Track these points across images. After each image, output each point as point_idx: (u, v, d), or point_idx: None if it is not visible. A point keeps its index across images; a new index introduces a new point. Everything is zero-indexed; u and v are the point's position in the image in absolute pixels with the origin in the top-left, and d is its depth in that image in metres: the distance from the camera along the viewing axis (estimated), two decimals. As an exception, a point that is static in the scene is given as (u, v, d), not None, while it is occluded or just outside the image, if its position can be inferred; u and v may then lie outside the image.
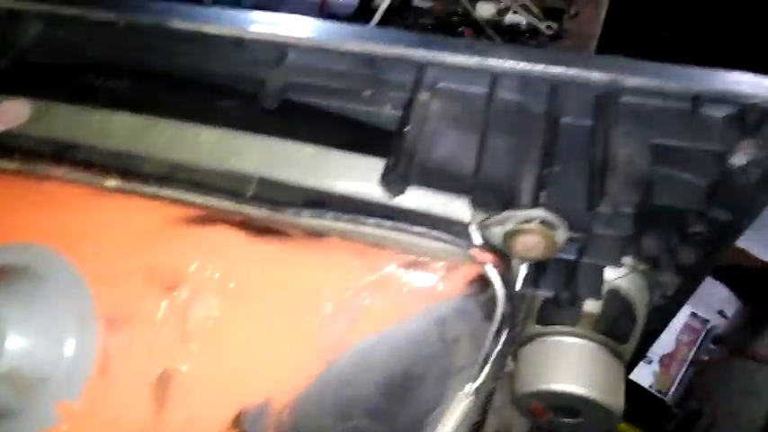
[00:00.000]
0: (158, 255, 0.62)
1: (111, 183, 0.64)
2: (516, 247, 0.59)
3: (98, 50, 0.78)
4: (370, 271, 0.60)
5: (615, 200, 0.58)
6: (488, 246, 0.59)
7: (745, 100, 0.61)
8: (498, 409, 0.90)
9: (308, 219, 0.60)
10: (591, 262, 0.64)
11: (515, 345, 0.82)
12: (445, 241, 0.58)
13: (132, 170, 0.64)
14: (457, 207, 0.61)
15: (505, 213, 0.58)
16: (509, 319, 0.60)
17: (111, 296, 0.61)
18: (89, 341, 0.59)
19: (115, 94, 0.75)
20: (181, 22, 0.70)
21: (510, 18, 1.77)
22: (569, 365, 0.78)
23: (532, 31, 1.75)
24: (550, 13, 1.76)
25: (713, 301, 1.85)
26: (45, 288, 0.61)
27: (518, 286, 0.63)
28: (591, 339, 0.78)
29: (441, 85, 0.68)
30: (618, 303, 0.79)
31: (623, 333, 0.80)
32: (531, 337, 0.81)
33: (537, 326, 0.81)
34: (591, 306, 0.78)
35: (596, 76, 0.63)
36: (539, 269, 0.68)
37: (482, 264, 0.59)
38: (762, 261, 1.76)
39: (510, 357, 0.84)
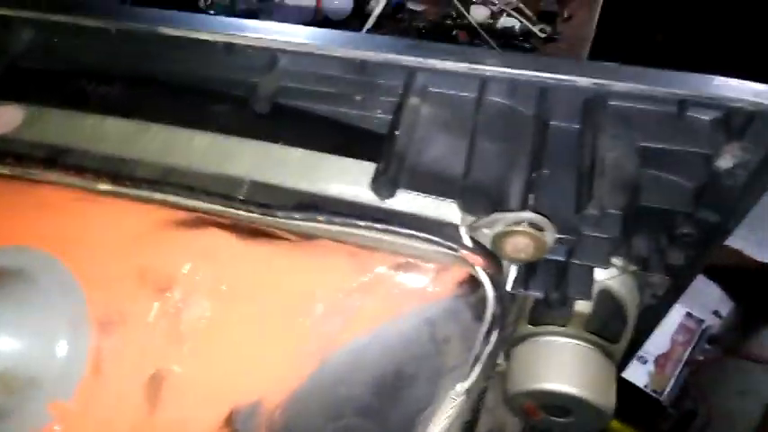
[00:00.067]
0: (150, 257, 0.62)
1: (104, 186, 0.65)
2: (506, 248, 0.60)
3: (90, 57, 0.78)
4: (361, 272, 0.61)
5: (603, 202, 0.59)
6: (478, 248, 0.60)
7: (730, 104, 0.62)
8: (491, 409, 0.91)
9: (299, 221, 0.61)
10: (580, 263, 0.65)
11: (507, 345, 0.83)
12: (435, 243, 0.59)
13: (125, 174, 0.64)
14: (447, 210, 0.61)
15: (495, 216, 0.59)
16: (499, 320, 0.61)
17: (103, 298, 0.62)
18: (82, 342, 0.59)
19: (107, 100, 0.76)
20: (172, 29, 0.71)
21: (504, 21, 1.78)
22: (561, 365, 0.78)
23: (526, 35, 1.76)
24: (544, 17, 1.77)
25: (708, 302, 1.86)
26: (38, 290, 0.62)
27: (508, 287, 0.63)
28: (582, 339, 0.79)
29: (430, 89, 0.69)
30: (609, 304, 0.80)
31: (614, 333, 0.81)
32: (523, 338, 0.82)
33: (529, 326, 0.82)
34: (582, 306, 0.79)
35: (584, 81, 0.64)
36: (529, 270, 0.69)
37: (472, 265, 0.59)
38: (756, 262, 1.77)
39: (502, 357, 0.85)
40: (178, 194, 0.63)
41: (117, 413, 0.60)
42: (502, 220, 0.59)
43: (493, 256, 0.60)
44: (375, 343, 0.61)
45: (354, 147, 0.67)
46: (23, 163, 0.66)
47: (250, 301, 0.61)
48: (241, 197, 0.63)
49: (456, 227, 0.60)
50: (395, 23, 1.73)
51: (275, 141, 0.67)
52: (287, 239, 0.63)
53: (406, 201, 0.62)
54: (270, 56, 0.72)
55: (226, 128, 0.68)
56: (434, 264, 0.61)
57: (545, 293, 0.68)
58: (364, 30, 1.71)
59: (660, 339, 1.79)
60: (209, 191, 0.62)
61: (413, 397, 0.62)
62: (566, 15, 1.78)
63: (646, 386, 1.77)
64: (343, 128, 0.74)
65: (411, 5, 1.78)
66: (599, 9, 1.75)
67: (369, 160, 0.64)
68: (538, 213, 0.58)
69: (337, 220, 0.60)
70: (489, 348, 0.62)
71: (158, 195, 0.64)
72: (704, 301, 1.85)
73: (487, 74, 0.66)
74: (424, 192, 0.62)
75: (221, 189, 0.64)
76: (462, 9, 1.75)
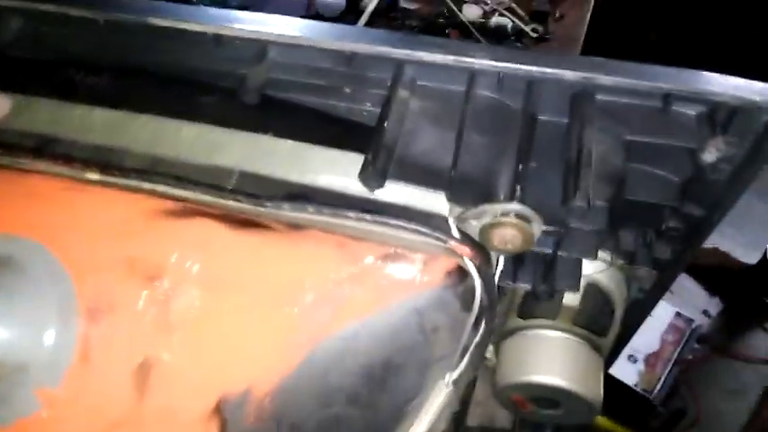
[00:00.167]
0: (139, 246, 0.62)
1: (93, 176, 0.65)
2: (493, 240, 0.60)
3: (79, 47, 0.78)
4: (350, 262, 0.61)
5: (589, 194, 0.59)
6: (466, 238, 0.60)
7: (714, 98, 0.62)
8: (481, 402, 0.92)
9: (288, 211, 0.61)
10: (567, 255, 0.66)
11: (496, 338, 0.84)
12: (424, 234, 0.59)
13: (113, 164, 0.65)
14: (435, 201, 0.62)
15: (482, 207, 0.59)
16: (487, 310, 0.61)
17: (92, 286, 0.62)
18: (70, 330, 0.59)
19: (95, 90, 0.75)
20: (161, 20, 0.71)
21: (496, 21, 1.78)
22: (549, 358, 0.79)
23: (518, 34, 1.76)
24: (536, 16, 1.78)
25: (697, 301, 1.87)
26: (26, 278, 0.62)
27: (496, 278, 0.64)
28: (570, 333, 0.80)
29: (419, 83, 0.70)
30: (596, 297, 0.81)
31: (602, 327, 0.81)
32: (512, 331, 0.83)
33: (518, 320, 0.83)
34: (570, 300, 0.80)
35: (571, 74, 0.64)
36: (517, 262, 0.70)
37: (460, 256, 0.60)
38: (743, 264, 1.79)
39: (492, 351, 0.85)
40: (167, 184, 0.63)
41: (105, 400, 0.60)
42: (489, 212, 0.59)
43: (481, 247, 0.60)
44: (364, 332, 0.61)
45: (343, 139, 0.67)
46: (11, 152, 0.66)
47: (239, 290, 0.61)
48: (230, 187, 0.63)
49: (444, 218, 0.61)
50: (387, 21, 1.73)
51: (264, 133, 0.67)
52: (276, 229, 0.63)
53: (394, 192, 0.63)
54: (259, 47, 0.72)
55: (214, 119, 0.68)
56: (423, 254, 0.61)
57: (533, 286, 0.69)
58: (360, 23, 1.71)
59: (650, 338, 1.80)
60: (198, 181, 0.62)
61: (401, 386, 0.62)
62: (557, 15, 1.79)
63: (636, 385, 1.78)
64: (332, 120, 0.74)
65: (404, 4, 1.78)
66: (591, 9, 1.75)
67: (357, 152, 0.65)
68: (525, 205, 0.59)
69: (326, 210, 0.60)
70: (478, 338, 0.62)
71: (147, 185, 0.64)
72: (694, 301, 1.87)
73: (475, 67, 0.66)
74: (412, 183, 0.63)
75: (210, 179, 0.64)
76: (454, 8, 1.76)
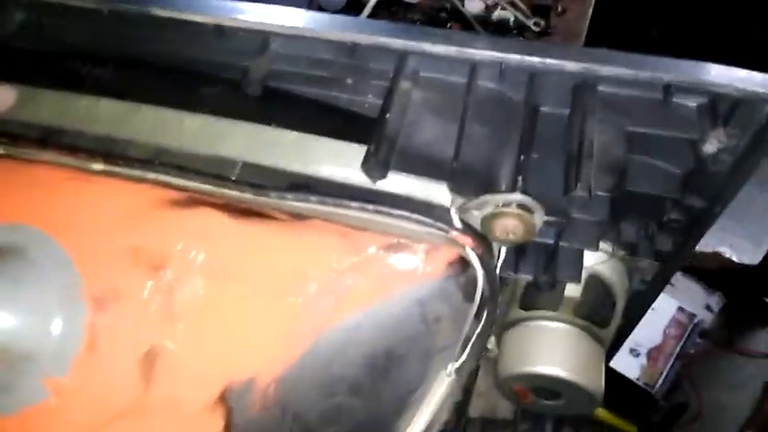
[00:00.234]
0: (144, 236, 0.63)
1: (98, 166, 0.65)
2: (495, 230, 0.60)
3: (82, 38, 0.79)
4: (352, 253, 0.61)
5: (590, 184, 0.60)
6: (468, 229, 0.60)
7: (715, 90, 0.63)
8: (483, 393, 0.92)
9: (292, 201, 0.62)
10: (569, 245, 0.66)
11: (498, 329, 0.84)
12: (426, 224, 0.60)
13: (118, 154, 0.65)
14: (437, 192, 0.62)
15: (484, 197, 0.60)
16: (489, 300, 0.62)
17: (98, 275, 0.62)
18: (77, 318, 0.60)
19: (100, 81, 0.76)
20: (164, 11, 0.71)
21: (498, 14, 1.78)
22: (551, 349, 0.80)
23: (520, 28, 1.76)
24: (538, 11, 1.77)
25: (699, 297, 1.87)
26: (33, 267, 0.62)
27: (498, 269, 0.64)
28: (572, 324, 0.80)
29: (421, 74, 0.70)
30: (598, 288, 0.81)
31: (604, 318, 0.82)
32: (514, 322, 0.83)
33: (520, 311, 0.83)
34: (572, 291, 0.80)
35: (572, 65, 0.65)
36: (519, 253, 0.70)
37: (462, 246, 0.60)
38: (744, 266, 1.78)
39: (493, 342, 0.86)
40: (171, 174, 0.63)
41: (112, 389, 0.61)
42: (491, 202, 0.60)
43: (483, 238, 0.61)
44: (366, 322, 0.61)
45: (346, 130, 0.68)
46: (17, 142, 0.67)
47: (243, 279, 0.62)
48: (234, 177, 0.64)
49: (446, 208, 0.61)
50: (389, 15, 1.73)
51: (267, 124, 0.67)
52: (279, 220, 0.63)
53: (396, 182, 0.63)
54: (261, 39, 0.73)
55: (218, 110, 0.68)
56: (425, 244, 0.61)
57: (534, 276, 0.69)
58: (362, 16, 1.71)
59: (652, 333, 1.80)
60: (202, 171, 0.63)
61: (404, 376, 0.63)
62: (560, 9, 1.78)
63: (638, 379, 1.78)
64: (335, 111, 0.75)
65: (406, -3, 1.78)
66: (593, 4, 1.75)
67: (360, 143, 0.65)
68: (527, 195, 0.59)
69: (329, 200, 0.61)
70: (480, 329, 0.62)
71: (151, 175, 0.64)
72: (696, 296, 1.86)
73: (477, 58, 0.66)
74: (414, 174, 0.63)
75: (214, 170, 0.64)
76: (456, 2, 1.76)
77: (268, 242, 0.63)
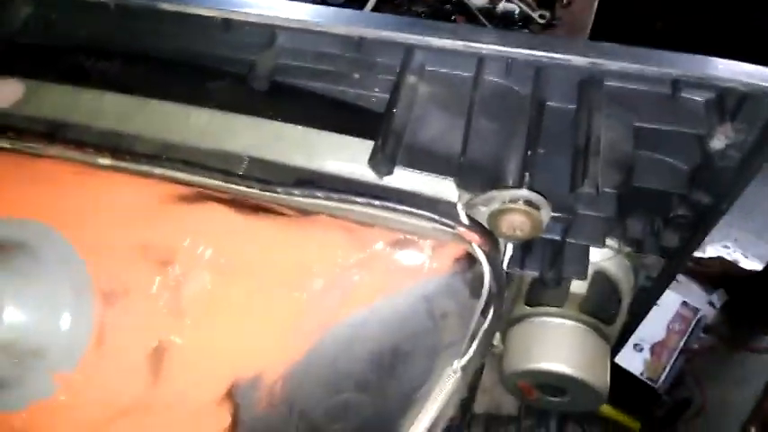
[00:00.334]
0: (152, 231, 0.63)
1: (105, 161, 0.65)
2: (502, 226, 0.60)
3: (89, 32, 0.78)
4: (359, 248, 0.61)
5: (597, 181, 0.59)
6: (475, 225, 0.60)
7: (723, 84, 0.62)
8: (488, 390, 0.92)
9: (298, 197, 0.61)
10: (575, 242, 0.66)
11: (504, 325, 0.84)
12: (432, 220, 0.59)
13: (125, 149, 0.65)
14: (444, 187, 0.62)
15: (491, 193, 0.60)
16: (496, 297, 0.61)
17: (106, 271, 0.62)
18: (86, 313, 0.60)
19: (106, 76, 0.76)
20: (170, 5, 0.71)
21: (503, 6, 1.77)
22: (556, 345, 0.80)
23: (525, 20, 1.75)
24: (544, 3, 1.76)
25: (703, 292, 1.87)
26: (41, 262, 0.62)
27: (504, 265, 0.64)
28: (577, 320, 0.80)
29: (428, 68, 0.70)
30: (604, 285, 0.81)
31: (609, 314, 0.82)
32: (520, 318, 0.83)
33: (525, 307, 0.83)
34: (578, 288, 0.80)
35: (579, 60, 0.64)
36: (525, 249, 0.70)
37: (469, 242, 0.60)
38: (747, 272, 1.78)
39: (499, 338, 0.86)
40: (178, 169, 0.63)
41: (120, 384, 0.61)
42: (498, 198, 0.60)
43: (489, 234, 0.61)
44: (373, 319, 0.61)
45: (352, 125, 0.67)
46: (24, 137, 0.67)
47: (249, 275, 0.62)
48: (241, 173, 0.64)
49: (453, 204, 0.61)
50: (393, 8, 1.72)
51: (274, 119, 0.67)
52: (286, 215, 0.63)
53: (403, 178, 0.63)
54: (268, 33, 0.72)
55: (224, 105, 0.68)
56: (431, 240, 0.61)
57: (541, 272, 0.69)
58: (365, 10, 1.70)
59: (656, 327, 1.80)
60: (209, 166, 0.63)
61: (410, 373, 0.63)
62: (565, 1, 1.77)
63: (641, 374, 1.78)
64: (341, 106, 0.75)
65: (410, -10, 1.77)
66: (598, -5, 1.74)
67: (367, 138, 0.65)
68: (533, 191, 0.59)
69: (336, 196, 0.61)
70: (486, 325, 0.62)
71: (158, 170, 0.64)
72: (699, 291, 1.86)
73: (484, 52, 0.66)
74: (421, 169, 0.63)
75: (221, 165, 0.64)
76: (462, -6, 1.75)
77: (275, 238, 0.63)
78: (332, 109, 0.74)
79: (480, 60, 0.68)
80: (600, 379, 0.78)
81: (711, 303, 1.88)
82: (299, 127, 0.66)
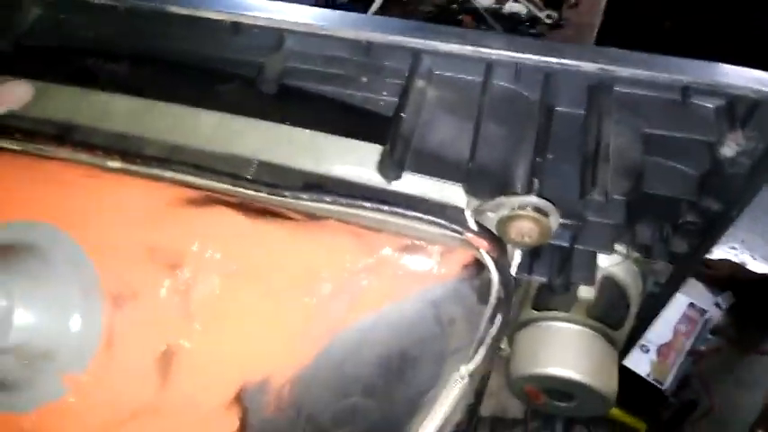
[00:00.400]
0: (160, 234, 0.63)
1: (114, 164, 0.65)
2: (510, 232, 0.60)
3: (99, 34, 0.79)
4: (367, 253, 0.61)
5: (607, 188, 0.59)
6: (483, 231, 0.60)
7: (733, 92, 0.62)
8: (495, 393, 0.92)
9: (306, 201, 0.62)
10: (584, 248, 0.66)
11: (511, 329, 0.84)
12: (441, 226, 0.59)
13: (134, 151, 0.65)
14: (452, 193, 0.62)
15: (499, 200, 0.60)
16: (504, 303, 0.61)
17: (115, 273, 0.62)
18: (95, 316, 0.60)
19: (116, 78, 0.76)
20: (180, 8, 0.71)
21: (510, 6, 1.77)
22: (564, 350, 0.79)
23: (532, 20, 1.75)
24: (550, 2, 1.76)
25: (709, 294, 1.86)
26: (50, 265, 0.62)
27: (513, 271, 0.64)
28: (585, 325, 0.80)
29: (436, 72, 0.69)
30: (612, 290, 0.81)
31: (617, 319, 0.81)
32: (527, 322, 0.83)
33: (533, 311, 0.83)
34: (585, 292, 0.80)
35: (588, 66, 0.64)
36: (533, 255, 0.70)
37: (477, 248, 0.60)
38: (754, 275, 1.77)
39: (506, 342, 0.86)
40: (187, 173, 0.63)
41: (129, 387, 0.61)
42: (507, 204, 0.59)
43: (498, 240, 0.61)
44: (380, 324, 0.61)
45: (360, 129, 0.67)
46: (34, 139, 0.67)
47: (258, 279, 0.62)
48: (250, 176, 0.64)
49: (461, 210, 0.61)
50: (400, 7, 1.72)
51: (282, 122, 0.67)
52: (294, 219, 0.63)
53: (411, 183, 0.63)
54: (276, 36, 0.72)
55: (233, 107, 0.68)
56: (439, 246, 0.61)
57: (549, 278, 0.69)
58: (370, 13, 1.70)
59: (663, 329, 1.79)
60: (217, 170, 0.63)
61: (417, 378, 0.63)
62: (572, 1, 1.77)
63: (647, 375, 1.77)
64: (350, 109, 0.75)
65: (417, -11, 1.77)
66: (606, -5, 1.73)
67: (375, 142, 0.65)
68: (542, 198, 0.59)
69: (344, 200, 0.61)
70: (494, 331, 0.62)
71: (168, 173, 0.64)
72: (705, 293, 1.85)
73: (493, 57, 0.66)
74: (429, 174, 0.63)
75: (229, 168, 0.64)
76: (469, -6, 1.75)
77: (283, 242, 0.63)
78: (340, 112, 0.74)
79: (489, 65, 0.67)
80: (607, 384, 0.78)
81: (718, 305, 1.87)
82: (308, 131, 0.66)
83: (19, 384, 0.61)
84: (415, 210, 0.60)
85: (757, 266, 1.76)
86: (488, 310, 0.61)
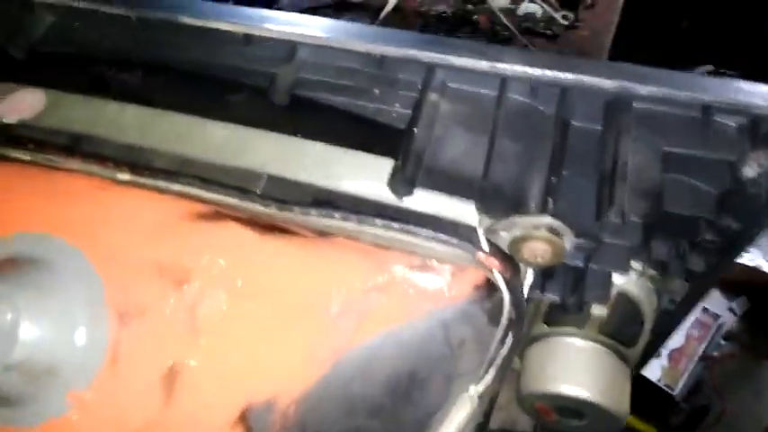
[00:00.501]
0: (169, 249, 0.62)
1: (124, 176, 0.65)
2: (523, 253, 0.59)
3: (110, 43, 0.78)
4: (376, 272, 0.60)
5: (624, 209, 0.58)
6: (496, 251, 0.59)
7: (757, 111, 0.60)
8: (504, 407, 0.91)
9: (316, 217, 0.61)
10: (599, 268, 0.64)
11: (522, 344, 0.83)
12: (452, 245, 0.58)
13: (144, 164, 0.64)
14: (464, 210, 0.61)
15: (513, 219, 0.58)
16: (515, 324, 0.60)
17: (122, 288, 0.62)
18: (100, 332, 0.60)
19: (126, 86, 0.75)
20: (192, 19, 0.71)
21: (525, 7, 1.74)
22: (576, 368, 0.78)
23: (548, 21, 1.72)
24: (566, 3, 1.73)
25: (723, 299, 1.84)
26: (57, 278, 0.62)
27: (525, 291, 0.63)
28: (598, 342, 0.78)
29: (450, 85, 0.68)
30: (626, 307, 0.79)
31: (631, 337, 0.80)
32: (538, 337, 0.81)
33: (544, 326, 0.81)
34: (598, 309, 0.79)
35: (606, 83, 0.63)
36: (546, 274, 0.68)
37: (489, 269, 0.59)
38: None
39: (516, 357, 0.84)
40: (196, 186, 0.63)
41: (133, 404, 0.61)
42: (520, 224, 0.58)
43: (510, 260, 0.59)
44: (389, 344, 0.61)
45: (372, 141, 0.66)
46: (44, 149, 0.66)
47: (266, 296, 0.61)
48: (259, 191, 0.63)
49: (473, 229, 0.60)
50: (415, 7, 1.70)
51: (294, 134, 0.66)
52: (303, 236, 0.63)
53: (423, 200, 0.62)
54: (289, 47, 0.71)
55: (244, 118, 0.67)
56: (450, 266, 0.60)
57: (562, 297, 0.67)
58: (384, 12, 1.69)
59: (675, 334, 1.77)
60: (227, 184, 0.62)
61: (425, 399, 0.62)
62: (589, 2, 1.74)
63: (659, 380, 1.76)
64: (362, 121, 0.73)
65: (432, -10, 1.75)
66: (623, -5, 1.70)
67: (387, 154, 0.64)
68: (557, 218, 0.57)
69: (354, 217, 0.60)
70: (504, 352, 0.61)
71: (177, 187, 0.64)
72: (719, 298, 1.83)
73: (508, 73, 0.64)
74: (441, 191, 0.62)
75: (239, 182, 0.63)
76: (484, -5, 1.72)
77: (291, 259, 0.62)
78: (352, 124, 0.73)
79: (504, 79, 0.66)
80: (619, 404, 0.76)
81: (732, 310, 1.85)
82: (319, 144, 0.65)
83: (23, 400, 0.60)
84: (426, 228, 0.59)
85: (773, 271, 1.73)
86: (499, 332, 0.60)
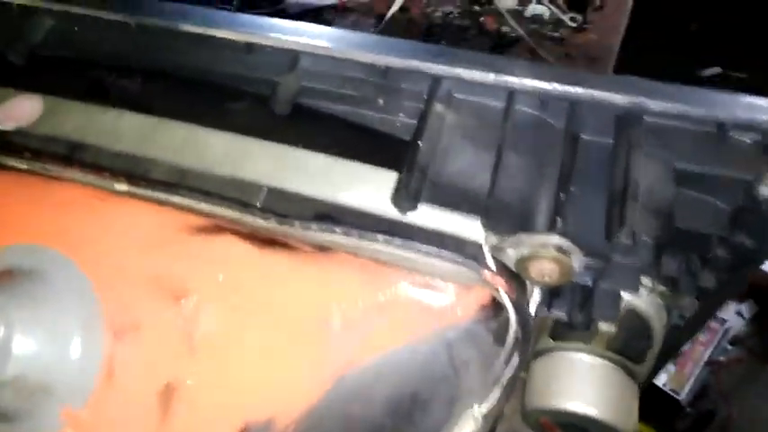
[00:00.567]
0: (166, 263, 0.61)
1: (121, 187, 0.63)
2: (530, 272, 0.57)
3: (110, 49, 0.77)
4: (378, 290, 0.59)
5: (635, 229, 0.56)
6: (502, 269, 0.57)
7: None
8: (508, 417, 0.89)
9: (316, 232, 0.59)
10: (608, 287, 0.62)
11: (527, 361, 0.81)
12: (457, 263, 0.57)
13: (142, 175, 0.63)
14: (470, 227, 0.59)
15: (520, 237, 0.57)
16: (521, 344, 0.59)
17: (117, 302, 0.61)
18: (95, 347, 0.59)
19: (126, 93, 0.74)
20: (193, 26, 0.69)
21: (533, 9, 1.72)
22: (582, 384, 0.76)
23: (556, 23, 1.71)
24: (575, 5, 1.72)
25: (730, 302, 1.82)
26: (52, 291, 0.61)
27: (531, 311, 0.61)
28: (605, 358, 0.77)
29: (456, 96, 0.66)
30: (635, 323, 0.77)
31: (639, 353, 0.78)
32: (544, 352, 0.80)
33: (550, 340, 0.80)
34: (607, 325, 0.77)
35: (617, 97, 0.61)
36: (553, 291, 0.67)
37: (495, 288, 0.57)
38: None
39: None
40: (195, 198, 0.61)
41: (128, 422, 0.60)
42: (527, 242, 0.56)
43: (517, 279, 0.58)
44: (391, 364, 0.59)
45: (376, 151, 0.65)
46: (41, 158, 0.65)
47: (265, 313, 0.60)
48: (259, 204, 0.61)
49: (479, 246, 0.58)
50: (422, 8, 1.69)
51: (295, 144, 0.65)
52: (303, 251, 0.61)
53: (427, 215, 0.60)
54: (291, 56, 0.70)
55: (245, 127, 0.66)
56: (455, 284, 0.59)
57: (569, 315, 0.66)
58: (390, 13, 1.67)
59: (681, 339, 1.75)
60: (226, 197, 0.61)
61: (427, 420, 0.60)
62: (597, 4, 1.72)
63: (664, 385, 1.75)
64: (365, 131, 0.72)
65: (439, -10, 1.74)
66: (631, -2, 1.68)
67: (390, 169, 0.62)
68: (565, 237, 0.56)
69: (355, 232, 0.58)
70: (509, 372, 0.60)
71: (175, 198, 0.62)
72: (728, 302, 1.81)
73: (516, 87, 0.63)
74: (446, 207, 0.60)
75: (239, 195, 0.62)
76: (491, -4, 1.71)
77: (291, 275, 0.60)
78: (355, 133, 0.72)
79: (512, 92, 0.64)
80: (626, 421, 0.75)
81: (740, 314, 1.83)
82: (321, 155, 0.64)
83: (19, 415, 0.59)
84: (429, 244, 0.57)
85: (782, 274, 1.71)
86: (505, 352, 0.59)
